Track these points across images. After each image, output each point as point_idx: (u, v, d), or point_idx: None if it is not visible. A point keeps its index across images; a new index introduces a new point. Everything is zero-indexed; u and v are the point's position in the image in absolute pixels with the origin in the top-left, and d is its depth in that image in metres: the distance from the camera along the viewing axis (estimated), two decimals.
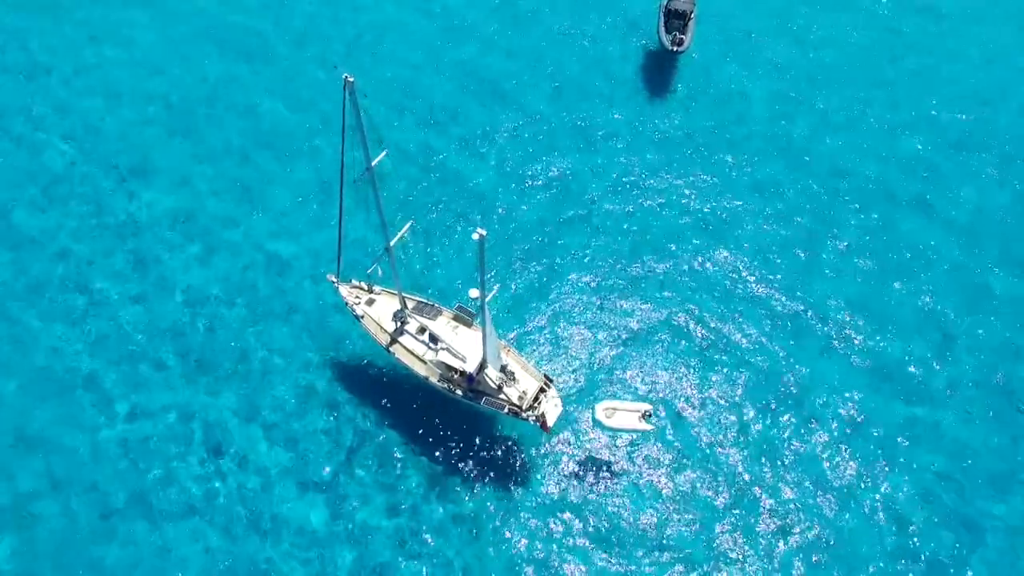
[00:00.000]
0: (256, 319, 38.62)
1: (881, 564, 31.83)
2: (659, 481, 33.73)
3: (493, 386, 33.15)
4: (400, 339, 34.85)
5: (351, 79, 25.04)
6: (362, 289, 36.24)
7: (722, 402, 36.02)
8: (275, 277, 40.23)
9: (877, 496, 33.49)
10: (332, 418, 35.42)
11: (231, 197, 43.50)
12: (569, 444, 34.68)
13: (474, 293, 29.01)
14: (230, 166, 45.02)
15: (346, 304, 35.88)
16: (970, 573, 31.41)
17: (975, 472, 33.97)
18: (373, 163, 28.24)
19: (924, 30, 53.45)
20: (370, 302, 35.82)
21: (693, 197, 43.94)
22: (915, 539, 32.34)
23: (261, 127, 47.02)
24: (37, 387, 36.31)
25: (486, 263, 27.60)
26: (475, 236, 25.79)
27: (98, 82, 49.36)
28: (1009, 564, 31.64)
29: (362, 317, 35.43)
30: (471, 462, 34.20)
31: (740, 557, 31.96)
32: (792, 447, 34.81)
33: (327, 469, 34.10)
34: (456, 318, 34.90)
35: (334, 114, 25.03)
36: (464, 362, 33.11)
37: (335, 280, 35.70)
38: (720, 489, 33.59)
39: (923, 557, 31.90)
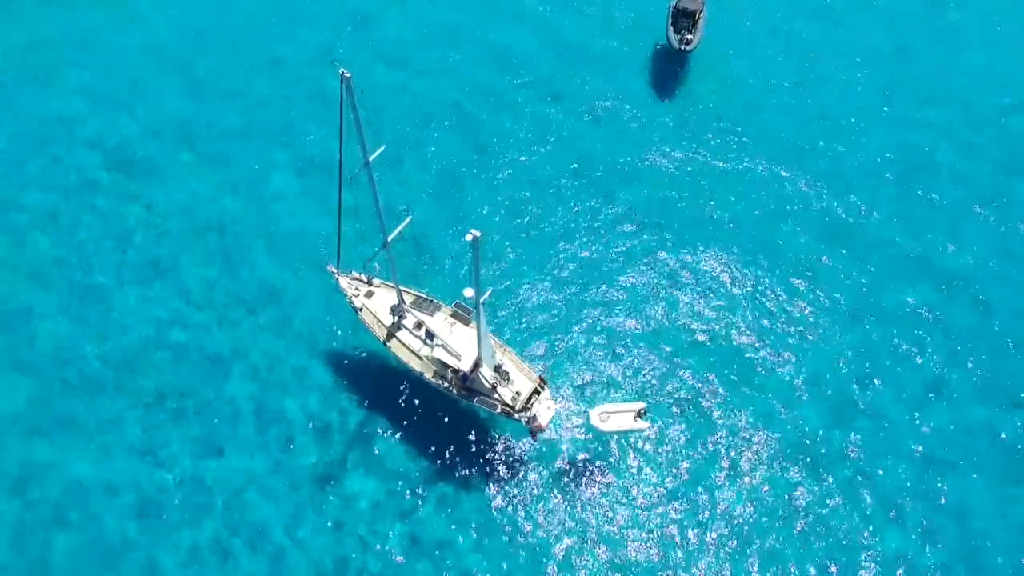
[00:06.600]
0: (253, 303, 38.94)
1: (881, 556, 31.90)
2: (657, 481, 33.48)
3: (487, 385, 32.95)
4: (397, 333, 34.74)
5: (348, 74, 24.77)
6: (362, 281, 36.12)
7: (721, 400, 35.67)
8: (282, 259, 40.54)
9: (879, 483, 33.56)
10: (324, 411, 35.40)
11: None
12: (564, 447, 34.42)
13: (468, 292, 28.82)
14: None
15: (345, 296, 35.79)
16: None
17: None
18: (371, 158, 28.05)
19: (938, 31, 52.19)
20: (369, 295, 35.70)
21: (697, 199, 43.24)
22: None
23: None
24: None
25: (483, 262, 27.33)
26: (468, 237, 25.47)
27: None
28: None
29: (360, 309, 35.33)
30: (464, 462, 34.04)
31: (740, 554, 31.82)
32: (792, 443, 34.62)
33: (313, 462, 34.14)
34: (454, 315, 34.70)
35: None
36: (459, 360, 32.91)
37: (335, 271, 35.62)
38: (719, 488, 33.31)
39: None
